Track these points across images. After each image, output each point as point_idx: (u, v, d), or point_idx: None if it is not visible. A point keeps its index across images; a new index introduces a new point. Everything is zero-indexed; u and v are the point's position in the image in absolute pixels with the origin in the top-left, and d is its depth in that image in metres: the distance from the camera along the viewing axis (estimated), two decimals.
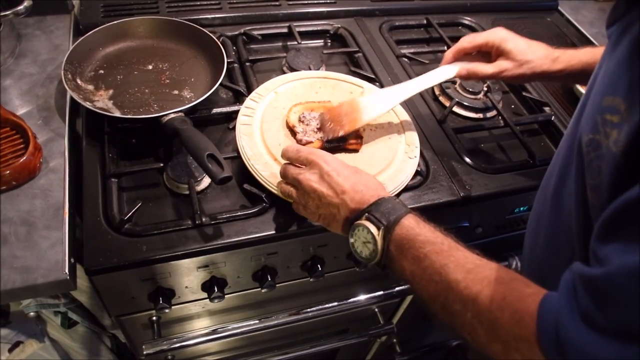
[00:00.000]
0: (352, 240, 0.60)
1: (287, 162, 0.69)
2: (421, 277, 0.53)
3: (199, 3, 1.06)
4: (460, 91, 0.97)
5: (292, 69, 0.96)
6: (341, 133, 0.75)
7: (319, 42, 1.10)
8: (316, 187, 0.62)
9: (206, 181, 0.76)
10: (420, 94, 0.96)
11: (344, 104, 0.78)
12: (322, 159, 0.64)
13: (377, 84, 0.95)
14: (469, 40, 0.78)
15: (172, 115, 0.75)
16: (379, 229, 0.56)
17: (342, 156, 0.77)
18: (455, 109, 0.96)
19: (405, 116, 0.85)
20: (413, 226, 0.56)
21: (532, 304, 0.43)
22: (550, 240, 0.63)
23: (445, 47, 1.08)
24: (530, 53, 0.74)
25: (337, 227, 0.63)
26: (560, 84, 0.99)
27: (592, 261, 0.42)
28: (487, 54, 0.78)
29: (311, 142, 0.75)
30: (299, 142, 0.75)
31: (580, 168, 0.51)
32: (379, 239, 0.56)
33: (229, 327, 0.84)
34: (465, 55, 0.79)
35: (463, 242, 0.57)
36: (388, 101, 0.78)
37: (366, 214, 0.58)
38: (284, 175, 0.68)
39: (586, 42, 1.22)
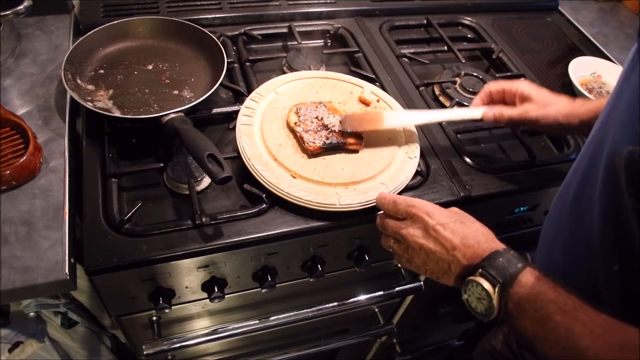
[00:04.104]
0: (465, 296, 0.57)
1: (382, 213, 0.67)
2: (546, 340, 0.50)
3: (199, 3, 1.06)
4: (460, 91, 0.97)
5: (292, 69, 0.96)
6: (360, 130, 0.77)
7: (319, 42, 1.10)
8: (423, 244, 0.60)
9: (206, 181, 0.76)
10: (421, 95, 0.97)
11: (369, 112, 0.83)
12: (424, 210, 0.61)
13: (377, 84, 0.95)
14: (494, 83, 0.81)
15: (172, 115, 0.75)
16: (494, 286, 0.53)
17: (342, 156, 0.77)
18: (456, 109, 0.96)
19: None
20: (532, 284, 0.52)
21: None
22: (568, 249, 0.62)
23: (445, 47, 1.08)
24: (553, 97, 0.76)
25: (448, 281, 0.61)
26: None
27: None
28: (512, 103, 0.80)
29: (317, 145, 0.75)
30: (307, 147, 0.75)
31: (609, 179, 0.50)
32: (494, 297, 0.53)
33: (229, 327, 0.84)
34: (492, 102, 0.82)
35: None
36: (411, 120, 0.81)
37: (480, 269, 0.55)
38: (382, 227, 0.66)
39: (586, 42, 1.22)
